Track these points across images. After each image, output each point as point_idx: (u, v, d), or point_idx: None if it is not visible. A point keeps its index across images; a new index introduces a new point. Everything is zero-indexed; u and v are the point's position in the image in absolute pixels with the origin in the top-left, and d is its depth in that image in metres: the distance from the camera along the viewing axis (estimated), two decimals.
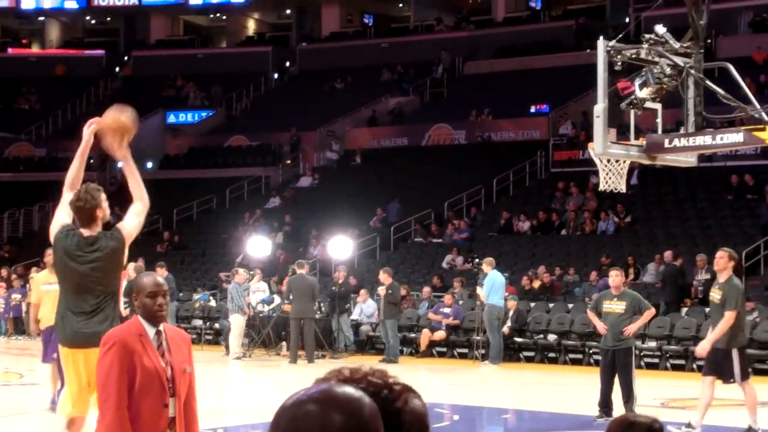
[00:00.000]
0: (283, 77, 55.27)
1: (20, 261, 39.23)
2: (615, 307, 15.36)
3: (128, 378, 6.12)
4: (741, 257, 27.34)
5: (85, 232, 8.54)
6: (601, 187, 13.78)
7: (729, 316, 13.93)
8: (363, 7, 58.49)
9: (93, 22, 63.05)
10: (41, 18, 62.20)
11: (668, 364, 23.37)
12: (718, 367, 14.29)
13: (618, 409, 15.07)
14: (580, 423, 16.27)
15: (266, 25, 62.20)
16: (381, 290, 25.79)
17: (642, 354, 22.89)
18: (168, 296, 6.59)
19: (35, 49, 61.95)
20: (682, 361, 23.39)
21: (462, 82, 48.40)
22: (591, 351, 23.93)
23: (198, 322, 30.31)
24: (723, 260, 14.16)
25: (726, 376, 14.24)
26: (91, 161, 48.85)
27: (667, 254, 27.50)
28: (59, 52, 59.48)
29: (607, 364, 15.42)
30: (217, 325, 29.47)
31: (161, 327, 6.47)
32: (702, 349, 14.48)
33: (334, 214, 36.11)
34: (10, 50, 59.31)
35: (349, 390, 2.59)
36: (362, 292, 27.93)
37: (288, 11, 60.43)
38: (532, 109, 43.95)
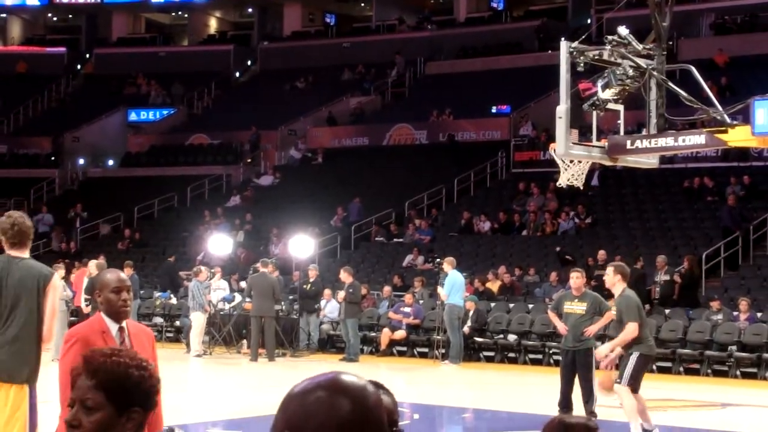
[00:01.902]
0: (244, 76, 55.13)
1: None
2: (576, 308, 15.40)
3: None
4: (701, 259, 27.70)
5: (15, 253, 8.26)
6: (560, 183, 13.81)
7: (631, 328, 13.62)
8: (325, 7, 58.44)
9: (55, 19, 62.71)
10: (3, 15, 61.74)
11: None
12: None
13: (578, 409, 15.13)
14: (539, 423, 16.20)
15: (228, 23, 62.05)
16: (341, 295, 25.74)
17: None
18: (131, 292, 6.56)
19: None
20: None
21: (423, 83, 48.42)
22: (551, 351, 24.00)
23: (159, 320, 30.20)
24: (608, 277, 14.11)
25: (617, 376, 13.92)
26: (53, 158, 48.73)
27: (601, 254, 27.60)
28: (21, 49, 59.03)
29: (568, 364, 15.46)
30: (177, 323, 29.42)
31: (124, 324, 6.45)
32: (599, 353, 14.37)
33: (295, 213, 36.06)
34: None
35: (355, 379, 2.69)
36: (326, 291, 27.88)
37: (250, 10, 60.28)
38: (494, 110, 44.04)
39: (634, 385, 13.70)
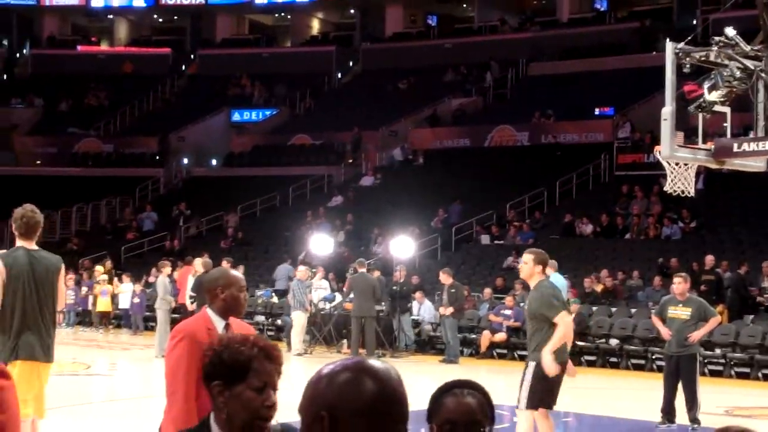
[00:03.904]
0: (346, 77, 55.40)
1: (87, 254, 39.85)
2: (680, 313, 15.20)
3: (196, 370, 6.15)
4: None
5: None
6: (667, 189, 13.63)
7: (562, 322, 10.82)
8: (427, 8, 58.53)
9: (160, 20, 63.65)
10: (110, 16, 62.92)
11: (733, 372, 23.13)
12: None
13: (681, 416, 14.95)
14: (641, 428, 16.16)
15: (330, 24, 62.40)
16: (448, 310, 25.43)
17: (706, 361, 22.62)
18: None
19: (104, 47, 62.58)
20: (747, 369, 23.13)
21: (525, 84, 48.23)
22: (654, 356, 23.72)
23: (260, 318, 30.48)
24: (526, 266, 10.97)
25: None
26: (158, 158, 49.44)
27: (709, 259, 26.95)
28: (127, 50, 60.09)
29: (671, 370, 15.27)
30: (279, 322, 29.63)
31: (228, 321, 6.51)
32: (549, 365, 10.69)
33: (396, 214, 36.10)
34: (79, 48, 59.99)
35: (378, 362, 2.88)
36: (418, 294, 27.92)
37: (352, 11, 60.58)
38: (596, 112, 43.71)
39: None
